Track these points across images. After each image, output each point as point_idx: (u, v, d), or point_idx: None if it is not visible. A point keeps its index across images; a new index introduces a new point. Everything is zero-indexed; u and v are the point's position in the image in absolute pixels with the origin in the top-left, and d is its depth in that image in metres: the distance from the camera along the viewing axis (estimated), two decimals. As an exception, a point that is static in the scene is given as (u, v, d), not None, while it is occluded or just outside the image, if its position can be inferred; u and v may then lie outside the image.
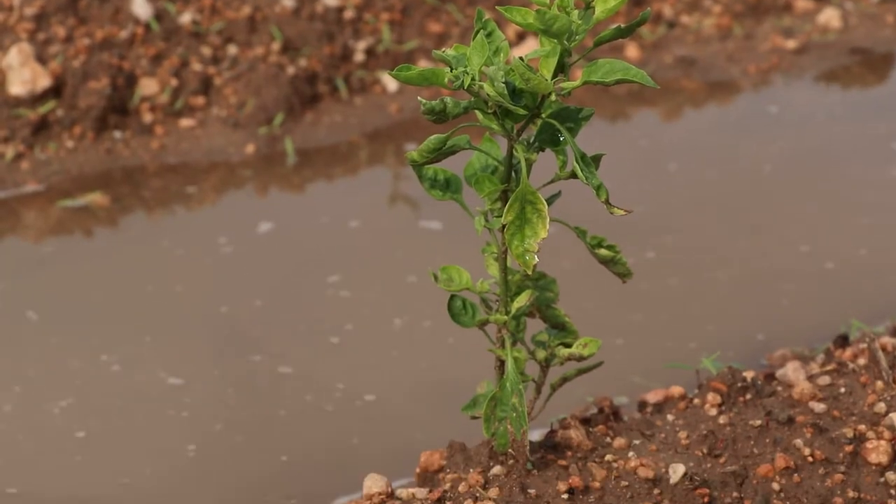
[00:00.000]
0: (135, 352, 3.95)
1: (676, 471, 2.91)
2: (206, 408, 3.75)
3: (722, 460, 2.99)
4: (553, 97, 2.65)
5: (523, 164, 2.70)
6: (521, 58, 2.56)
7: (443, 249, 4.34)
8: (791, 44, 5.59)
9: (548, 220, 2.64)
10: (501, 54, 2.67)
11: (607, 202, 2.66)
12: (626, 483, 2.90)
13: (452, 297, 2.94)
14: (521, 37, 5.47)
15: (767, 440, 3.04)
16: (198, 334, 4.02)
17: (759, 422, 3.07)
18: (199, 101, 5.07)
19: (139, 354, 3.94)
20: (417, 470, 3.07)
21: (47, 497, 3.46)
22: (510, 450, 2.91)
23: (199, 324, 4.06)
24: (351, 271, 4.32)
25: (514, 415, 2.86)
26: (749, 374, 3.24)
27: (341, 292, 4.21)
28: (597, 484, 2.90)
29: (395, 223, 4.63)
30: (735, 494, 2.92)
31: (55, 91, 4.91)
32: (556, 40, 2.62)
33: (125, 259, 4.42)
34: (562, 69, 2.65)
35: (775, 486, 2.95)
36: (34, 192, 4.72)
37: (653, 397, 3.27)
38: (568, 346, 2.99)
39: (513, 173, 2.76)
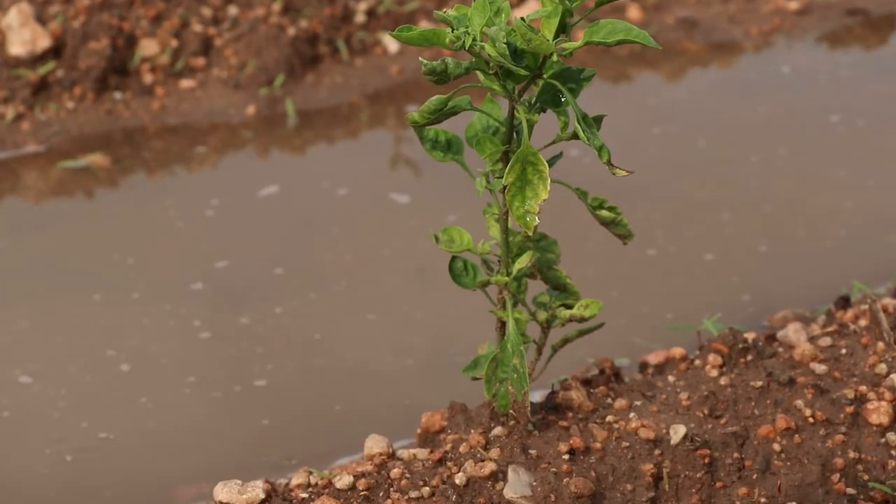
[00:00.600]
0: (134, 311, 3.95)
1: (677, 431, 2.92)
2: (205, 368, 3.75)
3: (723, 421, 3.00)
4: (554, 58, 2.64)
5: (524, 124, 2.69)
6: (522, 18, 2.55)
7: (442, 211, 4.33)
8: (793, 5, 5.57)
9: (549, 181, 2.63)
10: (503, 15, 2.66)
11: (609, 163, 2.65)
12: (627, 444, 2.91)
13: (453, 258, 2.93)
14: (522, -3, 5.45)
15: (768, 401, 3.04)
16: (199, 295, 4.02)
17: (759, 383, 3.07)
18: (200, 61, 5.05)
19: (139, 314, 3.94)
20: (418, 431, 3.07)
21: (43, 454, 3.47)
22: (511, 411, 2.91)
23: (199, 284, 4.06)
24: (351, 233, 4.31)
25: (515, 376, 2.86)
26: (750, 336, 3.24)
27: (343, 255, 4.21)
28: (598, 445, 2.90)
29: (395, 185, 4.62)
30: (736, 455, 2.93)
31: (55, 52, 4.90)
32: (557, 1, 2.61)
33: (125, 220, 4.42)
34: (563, 30, 2.64)
35: (776, 446, 2.95)
36: (34, 152, 4.72)
37: (654, 358, 3.27)
38: (569, 307, 2.99)
39: (514, 134, 2.76)
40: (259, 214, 4.42)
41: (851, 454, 2.97)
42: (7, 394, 3.68)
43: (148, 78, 4.98)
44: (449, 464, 2.87)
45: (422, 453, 2.91)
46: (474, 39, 2.60)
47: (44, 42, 4.86)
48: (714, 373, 3.13)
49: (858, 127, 4.92)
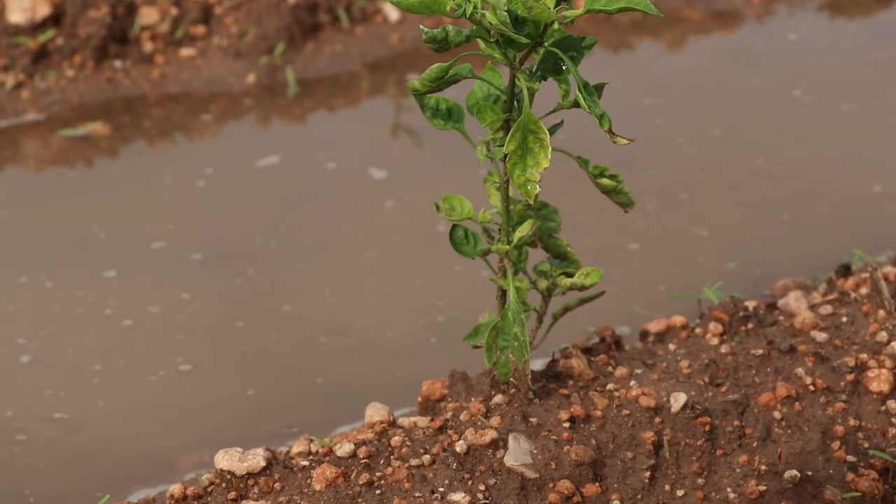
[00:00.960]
0: (134, 280, 3.95)
1: (678, 400, 2.92)
2: (204, 337, 3.75)
3: (723, 389, 3.00)
4: (556, 26, 2.63)
5: (525, 93, 2.68)
6: (523, -15, 2.54)
7: (443, 180, 4.33)
8: (795, -28, 5.56)
9: (549, 149, 2.63)
10: (504, -18, 2.65)
11: (610, 131, 2.65)
12: (628, 412, 2.91)
13: (454, 226, 2.93)
14: (523, -35, 5.43)
15: (769, 369, 3.05)
16: (198, 263, 4.02)
17: (760, 351, 3.07)
18: (200, 30, 5.04)
19: (138, 283, 3.94)
20: (419, 399, 3.08)
21: (34, 421, 3.47)
22: (512, 379, 2.92)
23: (199, 252, 4.06)
24: (350, 203, 4.31)
25: (516, 344, 2.87)
26: (751, 304, 3.24)
27: (343, 225, 4.21)
28: (598, 413, 2.91)
29: (394, 154, 4.62)
30: (736, 423, 2.93)
31: (55, 19, 4.88)
32: (558, -32, 2.60)
33: (125, 189, 4.42)
34: (564, -3, 2.63)
35: (776, 414, 2.96)
36: (34, 121, 4.71)
37: (654, 327, 3.27)
38: (570, 275, 2.99)
39: (515, 102, 2.75)
40: (258, 183, 4.41)
41: (852, 422, 2.97)
42: (7, 368, 3.68)
43: (148, 46, 4.97)
44: (449, 432, 2.87)
45: (422, 421, 2.92)
46: (475, 7, 2.60)
47: (43, 10, 4.85)
48: (715, 341, 3.13)
49: (860, 95, 4.91)
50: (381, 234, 4.16)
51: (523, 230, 2.86)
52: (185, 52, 5.00)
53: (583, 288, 2.95)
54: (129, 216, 4.24)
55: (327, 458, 2.82)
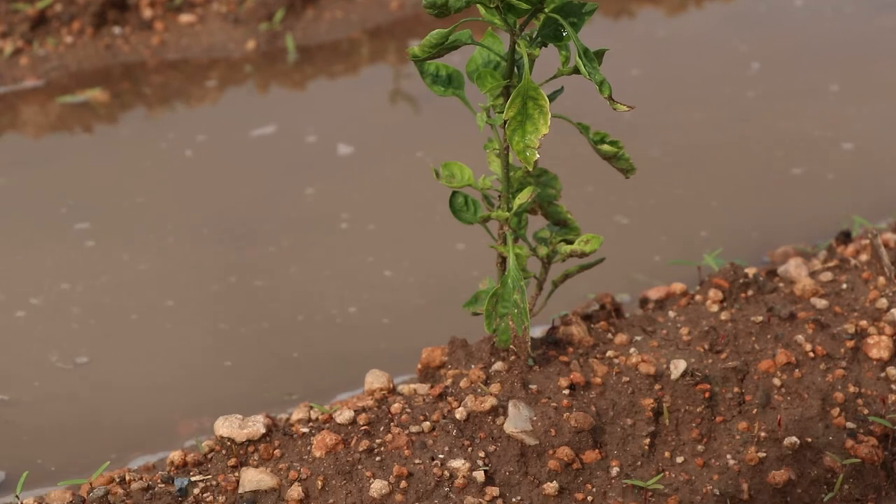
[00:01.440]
0: (133, 246, 3.95)
1: (678, 366, 2.92)
2: (206, 307, 3.75)
3: (723, 356, 3.00)
4: (556, -9, 2.62)
5: (525, 59, 2.67)
6: (523, -49, 2.53)
7: (444, 145, 4.32)
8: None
9: (549, 115, 2.62)
10: (504, -53, 2.64)
11: (610, 98, 2.64)
12: (628, 379, 2.91)
13: (454, 193, 2.93)
14: (523, -69, 5.42)
15: (769, 336, 3.05)
16: (196, 230, 4.02)
17: (760, 318, 3.07)
18: (199, -4, 5.03)
19: (138, 248, 3.94)
20: (419, 366, 3.08)
21: (36, 387, 3.48)
22: (511, 346, 2.92)
23: (198, 220, 4.06)
24: (348, 170, 4.31)
25: (516, 311, 2.86)
26: (751, 271, 3.24)
27: (342, 193, 4.21)
28: (598, 380, 2.91)
29: (393, 122, 4.61)
30: (736, 390, 2.94)
31: (53, -14, 4.87)
32: (558, -67, 2.59)
33: (124, 155, 4.41)
34: (565, -38, 2.62)
35: (776, 381, 2.96)
36: (33, 87, 4.70)
37: (654, 294, 3.27)
38: (570, 242, 2.98)
39: (515, 69, 2.74)
40: (257, 150, 4.40)
41: (851, 388, 2.97)
42: (7, 332, 3.68)
43: (147, 13, 4.96)
44: (449, 399, 2.88)
45: (422, 388, 2.92)
46: (475, -27, 2.59)
47: (42, -24, 4.84)
48: (715, 308, 3.13)
49: (861, 58, 4.90)
50: (380, 203, 4.15)
51: (523, 197, 2.85)
52: (185, 18, 4.98)
53: (583, 255, 2.95)
54: (127, 183, 4.23)
55: (327, 425, 2.82)
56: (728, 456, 2.87)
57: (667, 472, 2.84)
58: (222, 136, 4.47)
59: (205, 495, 2.71)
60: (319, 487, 2.71)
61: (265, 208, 4.12)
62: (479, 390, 2.88)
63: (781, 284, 3.23)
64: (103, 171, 4.32)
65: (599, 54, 2.68)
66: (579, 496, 2.77)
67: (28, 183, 4.26)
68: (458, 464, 2.74)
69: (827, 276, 3.22)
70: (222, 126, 4.54)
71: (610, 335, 3.07)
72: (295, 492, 2.69)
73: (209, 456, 2.80)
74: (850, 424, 2.93)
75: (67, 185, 4.24)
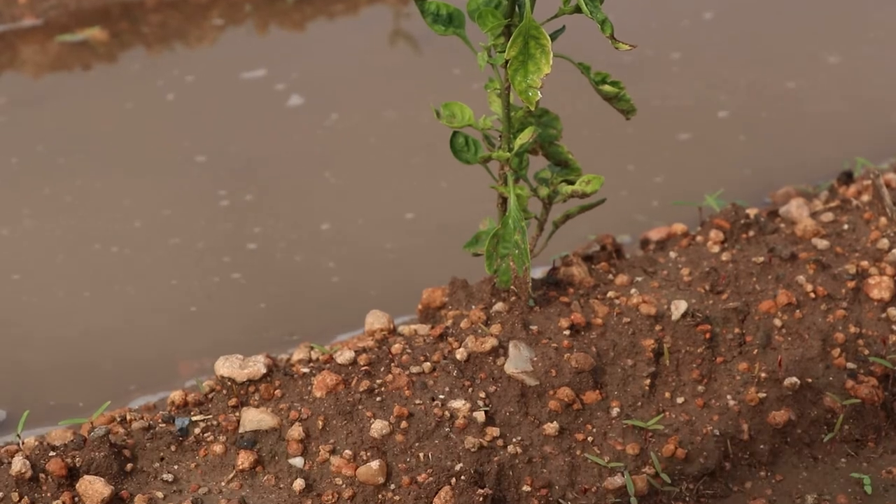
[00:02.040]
0: (132, 185, 3.94)
1: (678, 307, 2.92)
2: (204, 247, 3.75)
3: (724, 297, 3.00)
4: (557, -71, 2.60)
5: (527, -3, 2.66)
6: None
7: (449, 88, 4.31)
8: None
9: (551, 55, 2.61)
10: None
11: (612, 37, 2.62)
12: (628, 319, 2.91)
13: (455, 133, 2.91)
14: None
15: (770, 277, 3.04)
16: (194, 171, 4.01)
17: (761, 258, 3.07)
18: (198, -65, 5.00)
19: (136, 188, 3.93)
20: (419, 307, 3.08)
21: (49, 329, 3.48)
22: (512, 286, 2.91)
23: (196, 160, 4.05)
24: (349, 112, 4.29)
25: (517, 251, 2.86)
26: (752, 212, 3.24)
27: (340, 134, 4.19)
28: (599, 320, 2.91)
29: (392, 61, 4.59)
30: (737, 330, 2.94)
31: (51, -76, 4.84)
32: None
33: (123, 95, 4.39)
34: None
35: (777, 322, 2.96)
36: (32, 26, 4.68)
37: (655, 235, 3.26)
38: (571, 183, 2.97)
39: (516, 7, 2.72)
40: (255, 92, 4.39)
41: (852, 329, 2.97)
42: (7, 275, 3.69)
43: (145, -49, 4.93)
44: (450, 339, 2.88)
45: (423, 329, 2.92)
46: (476, -90, 2.57)
47: (39, -86, 4.80)
48: (715, 248, 3.12)
49: (864, 4, 4.88)
50: (378, 144, 4.14)
51: (524, 137, 2.84)
52: (183, -43, 4.95)
53: (584, 195, 2.94)
54: (126, 123, 4.22)
55: (328, 365, 2.82)
56: (728, 396, 2.87)
57: (667, 413, 2.84)
58: (223, 76, 4.45)
59: (205, 435, 2.71)
60: (320, 427, 2.71)
61: (258, 150, 4.11)
62: (479, 331, 2.88)
63: (783, 225, 3.23)
64: (103, 110, 4.31)
65: (601, -7, 2.66)
66: (579, 436, 2.78)
67: (28, 122, 4.25)
68: (459, 404, 2.74)
69: (828, 217, 3.22)
70: (222, 65, 4.53)
71: (611, 276, 3.06)
72: (295, 431, 2.69)
73: (210, 396, 2.80)
74: (850, 365, 2.93)
75: (67, 123, 4.23)
